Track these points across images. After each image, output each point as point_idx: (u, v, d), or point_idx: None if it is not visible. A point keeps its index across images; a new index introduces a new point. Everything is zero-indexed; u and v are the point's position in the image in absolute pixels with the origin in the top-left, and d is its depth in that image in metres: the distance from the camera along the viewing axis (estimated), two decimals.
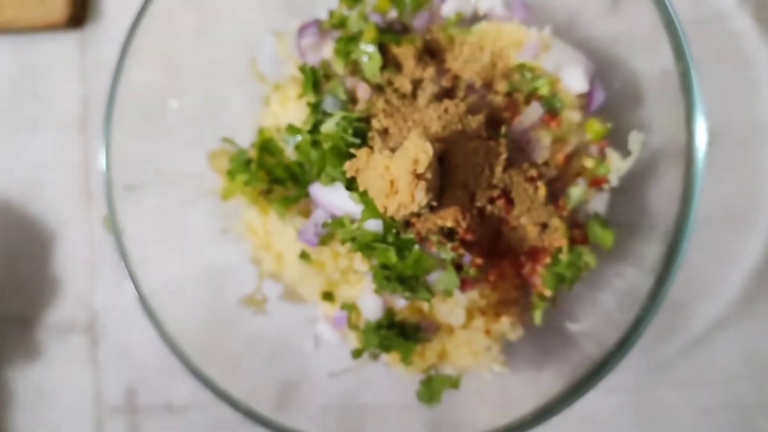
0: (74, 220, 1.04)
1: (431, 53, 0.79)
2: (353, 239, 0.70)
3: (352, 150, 0.67)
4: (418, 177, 0.60)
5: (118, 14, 1.02)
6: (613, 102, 0.77)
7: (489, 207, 0.69)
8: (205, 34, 0.90)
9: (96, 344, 1.02)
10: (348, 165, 0.64)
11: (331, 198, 0.72)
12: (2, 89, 1.07)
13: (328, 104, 0.74)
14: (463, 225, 0.67)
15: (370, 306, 0.74)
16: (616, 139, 0.76)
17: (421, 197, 0.61)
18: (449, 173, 0.67)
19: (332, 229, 0.72)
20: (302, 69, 0.75)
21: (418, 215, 0.66)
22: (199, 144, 0.88)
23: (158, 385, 1.01)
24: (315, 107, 0.74)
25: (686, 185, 0.66)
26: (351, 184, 0.68)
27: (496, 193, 0.69)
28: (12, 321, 1.04)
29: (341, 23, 0.80)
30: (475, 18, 0.82)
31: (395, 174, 0.61)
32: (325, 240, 0.73)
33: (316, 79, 0.75)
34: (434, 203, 0.64)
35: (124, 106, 0.84)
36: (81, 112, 1.04)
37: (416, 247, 0.68)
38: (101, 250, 1.03)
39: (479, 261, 0.69)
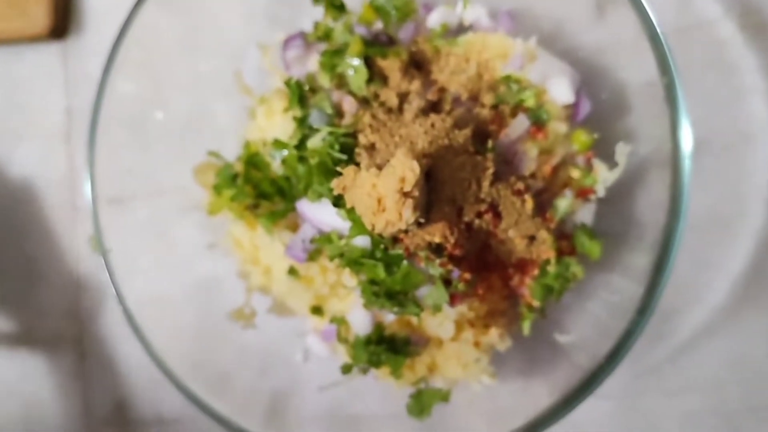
0: (60, 232, 1.03)
1: (417, 65, 0.78)
2: (341, 255, 0.70)
3: (339, 167, 0.66)
4: (406, 195, 0.60)
5: (101, 26, 1.02)
6: (600, 112, 0.78)
7: (477, 221, 0.69)
8: (190, 46, 0.89)
9: (84, 358, 1.02)
10: (335, 183, 0.63)
11: (319, 213, 0.72)
12: None
13: (315, 118, 0.74)
14: (451, 240, 0.66)
15: (360, 320, 0.74)
16: (603, 148, 0.76)
17: (409, 215, 0.60)
18: (436, 189, 0.67)
19: (320, 245, 0.72)
20: (287, 83, 0.75)
21: (406, 231, 0.66)
22: (185, 156, 0.87)
23: (148, 398, 1.00)
24: (301, 121, 0.74)
25: (673, 198, 0.66)
26: (338, 201, 0.68)
27: (483, 207, 0.69)
28: (0, 336, 1.04)
29: (326, 35, 0.79)
30: (461, 29, 0.82)
31: (382, 192, 0.61)
32: (313, 255, 0.73)
33: (301, 93, 0.75)
34: (422, 220, 0.64)
35: (110, 118, 0.83)
36: (65, 124, 1.03)
37: (404, 262, 0.68)
38: (88, 263, 1.02)
39: (467, 276, 0.69)
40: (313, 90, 0.77)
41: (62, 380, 1.02)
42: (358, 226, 0.67)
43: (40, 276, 1.03)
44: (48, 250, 1.03)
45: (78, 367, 1.02)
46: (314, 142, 0.71)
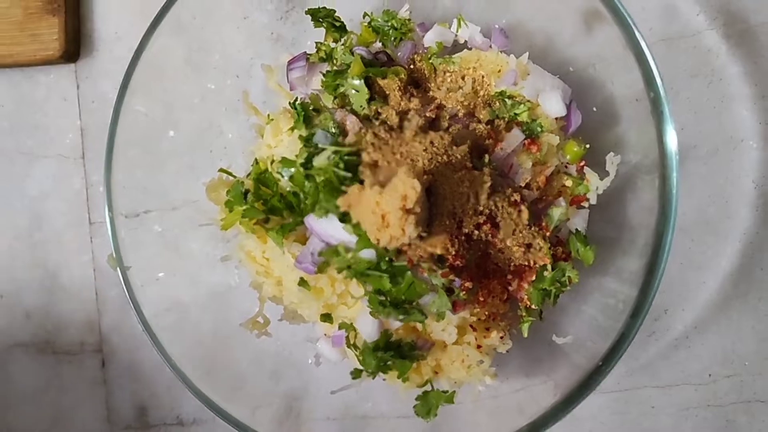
0: (78, 247, 1.07)
1: (415, 83, 0.82)
2: (349, 267, 0.74)
3: (344, 185, 0.70)
4: (408, 212, 0.64)
5: (109, 49, 1.05)
6: (590, 123, 0.81)
7: (476, 232, 0.73)
8: (198, 67, 0.92)
9: (106, 365, 1.06)
10: (341, 201, 0.67)
11: (326, 228, 0.75)
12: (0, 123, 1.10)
13: (320, 137, 0.77)
14: (452, 251, 0.71)
15: (367, 327, 0.78)
16: (594, 158, 0.80)
17: (411, 230, 0.65)
18: (437, 203, 0.71)
19: (328, 258, 0.76)
20: (292, 104, 0.78)
21: (409, 244, 0.70)
22: (197, 171, 0.91)
23: (167, 402, 1.05)
24: (307, 140, 0.77)
25: (662, 204, 0.70)
26: (344, 217, 0.72)
27: (482, 219, 0.73)
28: (24, 347, 1.08)
29: (328, 56, 0.83)
30: (456, 47, 0.85)
31: (386, 209, 0.65)
32: (322, 267, 0.77)
33: (306, 114, 0.78)
34: (424, 233, 0.68)
35: (124, 138, 0.86)
36: (79, 143, 1.07)
37: (408, 273, 0.72)
38: (107, 274, 1.06)
39: (469, 284, 0.73)
40: (317, 110, 0.80)
41: (85, 387, 1.06)
42: (364, 240, 0.71)
43: (61, 289, 1.07)
44: (67, 265, 1.07)
45: (100, 375, 1.06)
46: (320, 161, 0.74)
